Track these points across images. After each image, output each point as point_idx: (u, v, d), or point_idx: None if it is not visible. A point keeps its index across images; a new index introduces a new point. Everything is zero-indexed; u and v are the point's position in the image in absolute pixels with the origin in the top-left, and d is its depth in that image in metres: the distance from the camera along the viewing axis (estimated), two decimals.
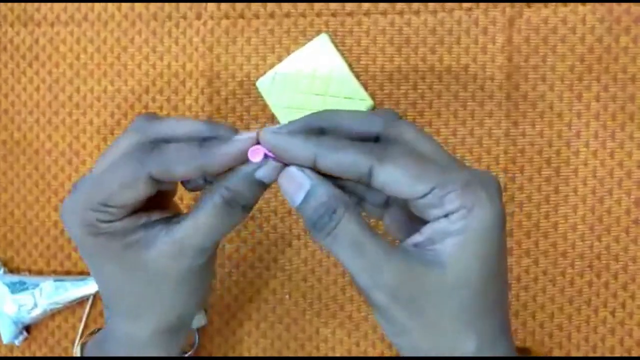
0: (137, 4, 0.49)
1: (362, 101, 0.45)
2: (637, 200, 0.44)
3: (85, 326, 0.50)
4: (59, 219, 0.51)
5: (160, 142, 0.30)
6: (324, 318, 0.48)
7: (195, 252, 0.31)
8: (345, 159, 0.27)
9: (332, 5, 0.47)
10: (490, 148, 0.45)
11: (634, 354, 0.45)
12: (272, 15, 0.48)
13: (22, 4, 0.51)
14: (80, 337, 0.50)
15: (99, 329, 0.41)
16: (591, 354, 0.45)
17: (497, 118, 0.45)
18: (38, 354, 0.51)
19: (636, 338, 0.45)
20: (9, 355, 0.51)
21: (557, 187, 0.45)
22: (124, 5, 0.49)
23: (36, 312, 0.49)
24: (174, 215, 0.32)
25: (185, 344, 0.38)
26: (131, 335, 0.34)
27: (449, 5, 0.46)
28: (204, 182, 0.32)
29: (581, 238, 0.45)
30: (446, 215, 0.27)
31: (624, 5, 0.44)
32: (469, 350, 0.28)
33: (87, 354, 0.38)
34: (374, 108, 0.45)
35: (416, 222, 0.29)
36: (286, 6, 0.47)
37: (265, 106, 0.47)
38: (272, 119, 0.47)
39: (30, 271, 0.51)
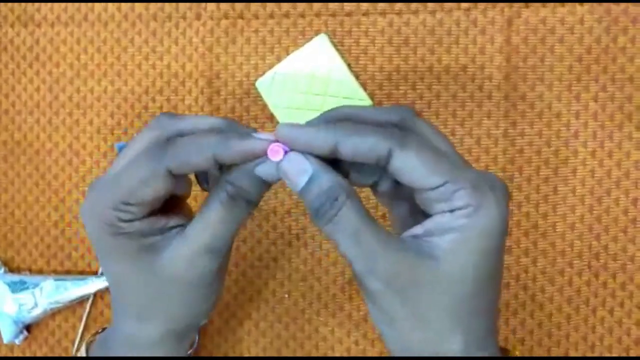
0: (137, 5, 0.49)
1: (361, 101, 0.45)
2: (635, 200, 0.44)
3: (86, 326, 0.50)
4: (59, 219, 0.51)
5: (176, 138, 0.31)
6: (323, 317, 0.48)
7: (207, 252, 0.31)
8: (367, 142, 0.28)
9: (331, 5, 0.47)
10: (489, 148, 0.46)
11: (632, 353, 0.45)
12: (271, 15, 0.48)
13: (23, 4, 0.51)
14: (81, 337, 0.50)
15: (103, 329, 0.41)
16: (589, 353, 0.45)
17: (496, 118, 0.46)
18: (38, 354, 0.51)
19: (634, 337, 0.45)
20: (10, 354, 0.52)
21: (556, 187, 0.45)
22: (124, 5, 0.49)
23: (36, 312, 0.49)
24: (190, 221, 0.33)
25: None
26: (138, 336, 0.34)
27: (447, 5, 0.46)
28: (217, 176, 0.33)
29: (579, 238, 0.45)
30: (452, 211, 0.27)
31: (622, 5, 0.44)
32: (455, 347, 0.28)
33: (92, 353, 0.38)
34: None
35: (418, 218, 0.29)
36: (285, 6, 0.47)
37: (264, 106, 0.47)
38: (272, 119, 0.47)
39: (30, 270, 0.51)
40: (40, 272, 0.51)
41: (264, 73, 0.46)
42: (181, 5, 0.49)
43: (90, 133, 0.50)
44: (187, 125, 0.31)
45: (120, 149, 0.48)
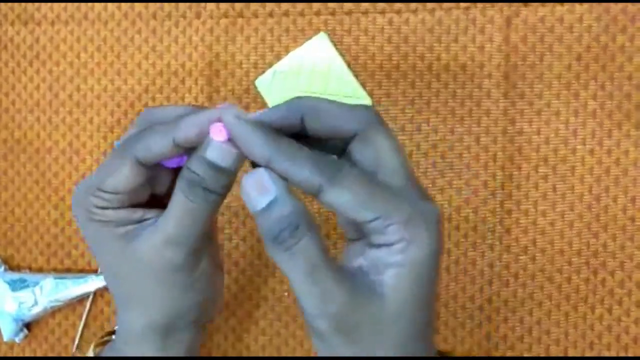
0: (136, 3, 0.49)
1: (360, 100, 0.45)
2: (633, 198, 0.44)
3: (86, 324, 0.50)
4: (59, 217, 0.51)
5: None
6: None
7: (170, 243, 0.31)
8: (298, 173, 0.27)
9: (331, 4, 0.47)
10: (488, 146, 0.46)
11: (631, 351, 0.45)
12: (271, 14, 0.48)
13: (23, 3, 0.51)
14: (81, 335, 0.50)
15: (108, 332, 0.41)
16: (588, 352, 0.45)
17: (495, 116, 0.46)
18: (38, 352, 0.51)
19: (633, 335, 0.45)
20: (9, 352, 0.52)
21: (554, 185, 0.45)
22: (124, 4, 0.49)
23: (36, 310, 0.49)
24: None
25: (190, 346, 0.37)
26: (127, 324, 0.34)
27: (446, 4, 0.46)
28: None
29: (578, 236, 0.45)
30: (388, 245, 0.27)
31: (621, 4, 0.44)
32: None
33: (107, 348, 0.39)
34: (372, 107, 0.46)
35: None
36: (285, 5, 0.47)
37: (264, 105, 0.47)
38: None
39: (30, 269, 0.52)
40: (40, 270, 0.51)
41: (263, 71, 0.47)
42: (181, 4, 0.49)
43: (90, 131, 0.50)
44: (163, 115, 0.32)
45: None
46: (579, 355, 0.45)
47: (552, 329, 0.46)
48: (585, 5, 0.45)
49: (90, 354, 0.39)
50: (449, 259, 0.46)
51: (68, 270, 0.51)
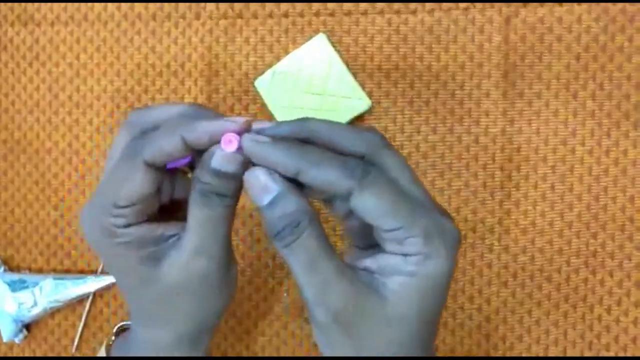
0: (136, 4, 0.49)
1: (359, 100, 0.45)
2: (632, 198, 0.45)
3: (85, 324, 0.50)
4: (58, 218, 0.51)
5: (149, 130, 0.30)
6: None
7: (198, 255, 0.31)
8: (327, 177, 0.27)
9: (330, 5, 0.47)
10: (487, 146, 0.46)
11: (630, 351, 0.45)
12: (270, 15, 0.48)
13: (23, 3, 0.51)
14: (80, 336, 0.50)
15: (120, 328, 0.41)
16: (587, 351, 0.45)
17: (494, 116, 0.46)
18: (38, 352, 0.51)
19: (631, 335, 0.45)
20: (9, 353, 0.52)
21: (553, 185, 0.45)
22: (124, 5, 0.50)
23: (36, 310, 0.49)
24: None
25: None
26: (151, 340, 0.34)
27: (445, 4, 0.46)
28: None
29: (577, 235, 0.45)
30: (403, 255, 0.27)
31: (620, 4, 0.44)
32: None
33: (112, 352, 0.39)
34: (371, 107, 0.46)
35: (369, 236, 0.29)
36: (284, 6, 0.48)
37: (263, 105, 0.47)
38: (271, 118, 0.47)
39: (30, 269, 0.52)
40: (39, 271, 0.51)
41: (263, 72, 0.47)
42: (180, 4, 0.49)
43: (89, 132, 0.50)
44: (158, 115, 0.31)
45: None
46: (577, 355, 0.45)
47: (551, 329, 0.46)
48: (584, 5, 0.45)
49: (103, 353, 0.38)
50: None
51: (67, 271, 0.51)
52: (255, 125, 0.29)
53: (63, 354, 0.51)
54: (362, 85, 0.46)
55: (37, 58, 0.51)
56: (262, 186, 0.28)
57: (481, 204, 0.46)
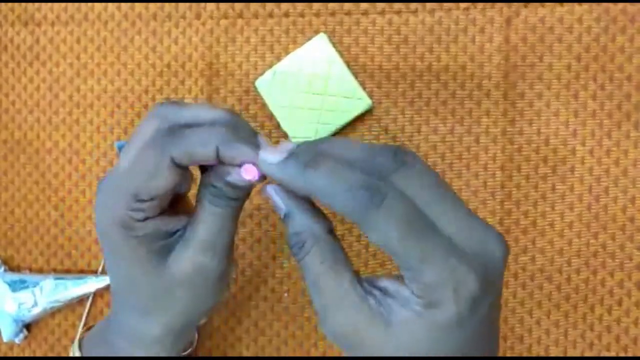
0: (136, 4, 0.49)
1: (360, 100, 0.45)
2: (633, 198, 0.45)
3: (85, 324, 0.50)
4: (59, 218, 0.51)
5: (181, 128, 0.30)
6: None
7: (205, 250, 0.32)
8: (335, 205, 0.26)
9: (331, 5, 0.47)
10: (488, 146, 0.46)
11: (630, 351, 0.45)
12: (270, 14, 0.48)
13: (23, 3, 0.51)
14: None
15: (91, 327, 0.41)
16: (587, 352, 0.45)
17: (495, 116, 0.46)
18: (38, 352, 0.51)
19: (632, 335, 0.45)
20: (9, 353, 0.52)
21: (554, 185, 0.45)
22: (124, 5, 0.50)
23: (36, 311, 0.49)
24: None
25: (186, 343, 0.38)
26: (139, 330, 0.34)
27: (446, 4, 0.46)
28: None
29: (578, 236, 0.45)
30: (412, 292, 0.26)
31: (620, 5, 0.44)
32: None
33: (86, 344, 0.38)
34: (372, 107, 0.46)
35: None
36: (285, 6, 0.48)
37: (263, 105, 0.47)
38: (271, 118, 0.47)
39: (30, 269, 0.52)
40: (40, 271, 0.51)
41: (263, 72, 0.47)
42: (181, 4, 0.49)
43: (90, 132, 0.50)
44: (190, 116, 0.31)
45: (120, 147, 0.49)
46: (578, 355, 0.45)
47: (551, 329, 0.46)
48: (585, 5, 0.45)
49: (76, 352, 0.38)
50: None
51: (68, 271, 0.51)
52: (273, 157, 0.28)
53: (63, 354, 0.51)
54: (363, 86, 0.46)
55: (37, 58, 0.51)
56: (274, 204, 0.30)
57: (482, 204, 0.46)
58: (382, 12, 0.47)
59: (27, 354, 0.52)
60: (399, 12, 0.46)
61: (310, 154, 0.27)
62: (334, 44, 0.46)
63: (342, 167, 0.26)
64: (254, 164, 0.29)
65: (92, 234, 0.50)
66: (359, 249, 0.47)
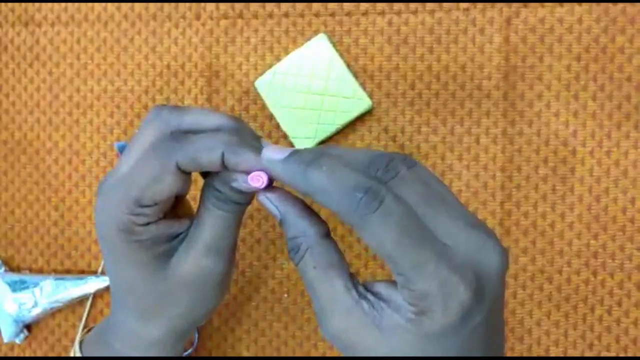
0: (136, 5, 0.49)
1: (360, 100, 0.45)
2: (633, 199, 0.44)
3: (86, 325, 0.50)
4: (59, 218, 0.51)
5: (184, 133, 0.30)
6: None
7: (209, 252, 0.32)
8: (331, 207, 0.26)
9: (331, 5, 0.47)
10: (488, 147, 0.46)
11: (630, 352, 0.45)
12: (270, 15, 0.48)
13: (23, 4, 0.51)
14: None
15: (92, 328, 0.41)
16: (587, 352, 0.45)
17: (495, 117, 0.46)
18: (38, 353, 0.51)
19: (632, 336, 0.45)
20: (10, 353, 0.52)
21: (554, 186, 0.45)
22: (124, 5, 0.50)
23: (36, 311, 0.49)
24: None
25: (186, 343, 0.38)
26: (139, 333, 0.34)
27: (446, 5, 0.46)
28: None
29: (578, 236, 0.45)
30: (404, 299, 0.25)
31: (620, 5, 0.44)
32: None
33: (86, 346, 0.38)
34: (372, 108, 0.46)
35: None
36: (285, 6, 0.48)
37: (263, 106, 0.47)
38: (271, 118, 0.47)
39: (30, 270, 0.52)
40: (40, 271, 0.51)
41: (263, 72, 0.47)
42: (181, 5, 0.49)
43: (90, 132, 0.50)
44: (192, 121, 0.31)
45: (120, 148, 0.49)
46: (578, 355, 0.45)
47: (551, 330, 0.46)
48: (585, 6, 0.45)
49: (77, 353, 0.38)
50: None
51: (68, 272, 0.51)
52: (278, 157, 0.28)
53: (63, 354, 0.51)
54: (363, 86, 0.46)
55: (37, 58, 0.51)
56: (270, 211, 0.30)
57: (482, 205, 0.46)
58: (382, 13, 0.47)
59: (27, 354, 0.52)
60: (399, 13, 0.46)
61: (313, 153, 0.27)
62: (333, 45, 0.46)
63: (343, 168, 0.26)
64: (262, 171, 0.29)
65: (92, 234, 0.50)
66: (359, 250, 0.47)
